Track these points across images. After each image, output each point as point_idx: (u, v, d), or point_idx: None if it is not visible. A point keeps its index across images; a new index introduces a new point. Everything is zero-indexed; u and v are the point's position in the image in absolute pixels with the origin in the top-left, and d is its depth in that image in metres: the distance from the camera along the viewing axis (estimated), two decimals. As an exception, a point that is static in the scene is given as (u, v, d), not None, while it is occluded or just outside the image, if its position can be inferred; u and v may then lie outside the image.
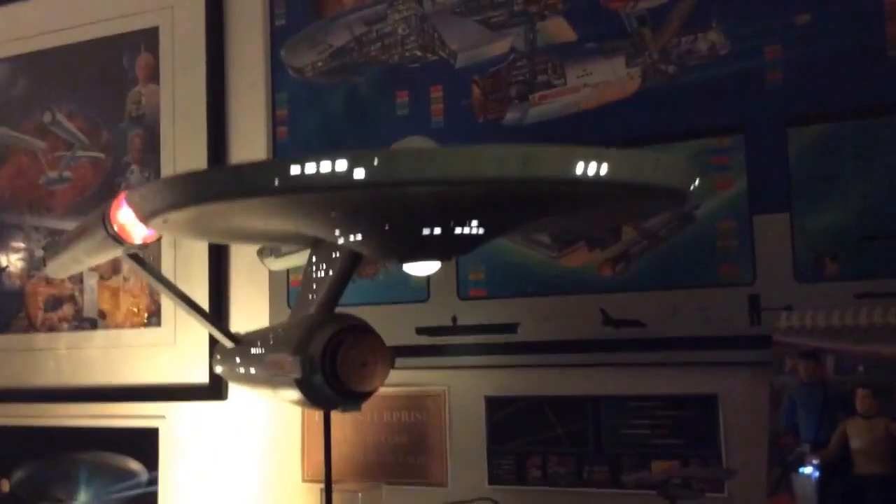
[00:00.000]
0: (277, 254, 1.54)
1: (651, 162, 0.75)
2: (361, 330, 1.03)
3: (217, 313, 1.82)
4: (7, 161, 2.10)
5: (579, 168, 0.67)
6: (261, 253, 1.57)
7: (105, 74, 1.98)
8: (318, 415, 1.73)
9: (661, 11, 1.50)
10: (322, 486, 1.64)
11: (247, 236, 1.08)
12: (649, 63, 1.51)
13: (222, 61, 1.87)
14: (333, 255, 1.05)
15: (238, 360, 1.22)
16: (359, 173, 0.65)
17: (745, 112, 1.44)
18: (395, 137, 1.63)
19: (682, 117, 1.48)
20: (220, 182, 0.74)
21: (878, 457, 1.15)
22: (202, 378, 1.83)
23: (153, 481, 1.86)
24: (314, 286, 1.10)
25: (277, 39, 1.81)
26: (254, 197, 0.71)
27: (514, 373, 1.58)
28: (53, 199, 2.04)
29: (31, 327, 2.04)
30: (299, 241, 1.13)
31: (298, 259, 1.52)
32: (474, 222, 0.80)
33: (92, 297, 1.97)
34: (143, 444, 1.88)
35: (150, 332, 1.91)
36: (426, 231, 0.80)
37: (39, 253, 2.02)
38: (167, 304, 1.89)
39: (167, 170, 1.88)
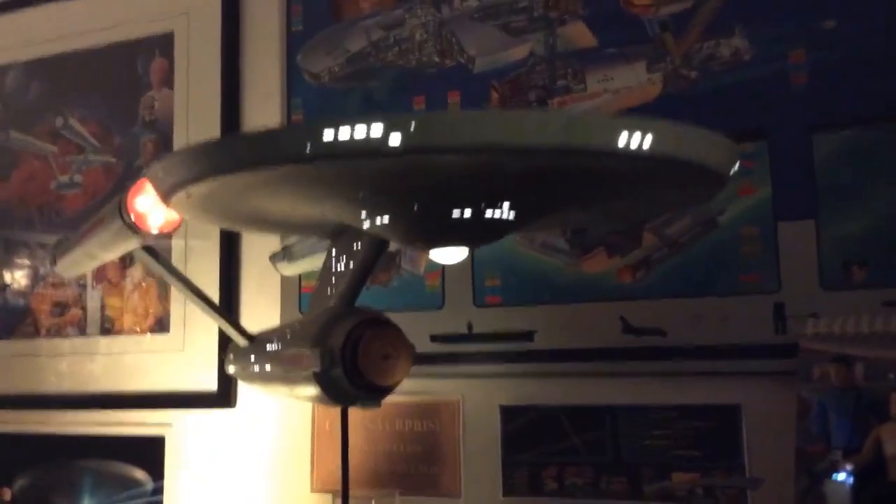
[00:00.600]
0: (291, 258, 1.52)
1: (696, 136, 0.73)
2: (382, 322, 1.00)
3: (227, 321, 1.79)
4: (18, 165, 2.08)
5: (623, 139, 0.65)
6: (273, 258, 1.55)
7: (119, 79, 1.97)
8: (328, 422, 1.70)
9: (684, 16, 1.49)
10: (332, 496, 1.62)
11: (267, 222, 1.05)
12: (671, 68, 1.49)
13: (237, 66, 1.86)
14: (355, 247, 1.03)
15: (253, 358, 1.19)
16: (395, 139, 0.63)
17: (769, 117, 1.42)
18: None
19: (705, 123, 1.45)
20: (247, 148, 0.72)
21: (913, 463, 1.12)
22: (210, 385, 1.80)
23: (158, 491, 1.82)
24: (334, 279, 1.07)
25: (294, 44, 1.79)
26: (283, 165, 0.68)
27: (530, 381, 1.55)
28: (63, 203, 2.01)
29: (36, 333, 2.01)
30: (320, 231, 1.10)
31: (312, 263, 1.49)
32: (505, 205, 0.78)
33: (98, 302, 1.94)
34: (149, 452, 1.84)
35: (157, 339, 1.88)
36: (456, 213, 0.77)
37: (45, 267, 1.99)
38: (176, 309, 1.86)
39: (179, 174, 1.86)
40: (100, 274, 1.94)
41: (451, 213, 0.77)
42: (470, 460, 1.58)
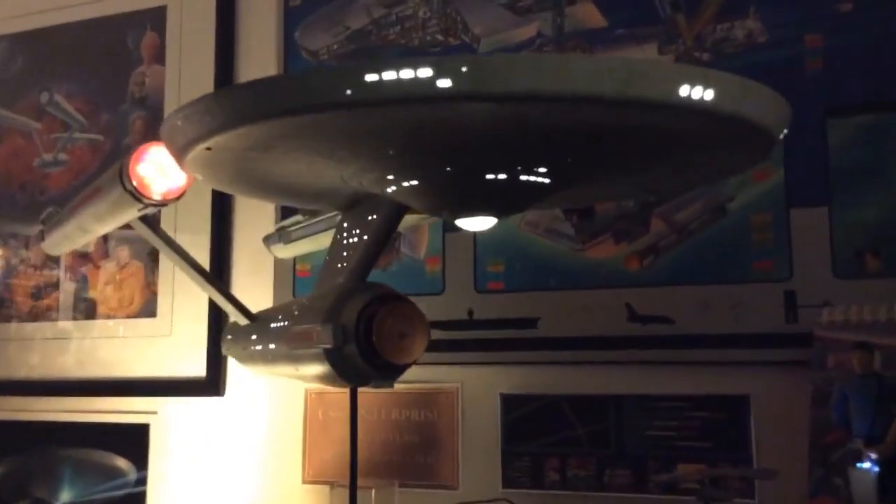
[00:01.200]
0: (286, 240, 1.47)
1: (758, 92, 0.69)
2: (398, 298, 0.96)
3: (218, 305, 1.73)
4: (0, 142, 2.01)
5: (684, 90, 0.61)
6: (268, 240, 1.50)
7: (108, 54, 1.90)
8: (321, 411, 1.65)
9: (697, -3, 1.45)
10: (327, 487, 1.57)
11: (279, 188, 1.00)
12: (683, 50, 1.46)
13: (232, 42, 1.81)
14: (369, 218, 0.98)
15: (255, 336, 1.14)
16: (443, 82, 0.58)
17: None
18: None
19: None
20: (284, 92, 0.67)
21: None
22: (198, 372, 1.74)
23: (141, 481, 1.76)
24: (345, 253, 1.02)
25: (292, 20, 1.74)
26: (319, 112, 0.63)
27: (533, 370, 1.51)
28: (47, 181, 1.95)
29: (16, 316, 1.93)
30: (331, 201, 1.05)
31: (309, 245, 1.45)
32: (542, 168, 0.73)
33: (83, 284, 1.87)
34: (132, 440, 1.77)
35: (143, 323, 1.81)
36: (490, 176, 0.73)
37: (20, 255, 1.92)
38: (163, 292, 1.80)
39: (170, 153, 1.80)
40: (83, 254, 1.87)
41: (484, 177, 0.73)
42: (468, 451, 1.53)
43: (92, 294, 1.86)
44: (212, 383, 1.73)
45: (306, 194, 1.04)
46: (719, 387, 1.40)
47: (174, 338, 1.78)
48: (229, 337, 1.24)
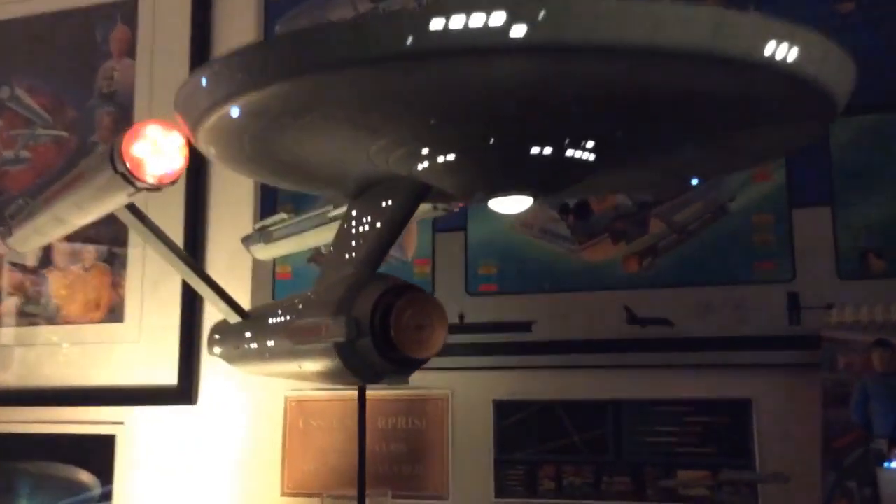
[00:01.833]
0: (268, 240, 1.40)
1: (839, 56, 0.64)
2: (414, 289, 0.90)
3: (190, 308, 1.65)
4: (-45, 139, 1.90)
5: (770, 48, 0.57)
6: (247, 240, 1.43)
7: (74, 47, 1.82)
8: (302, 420, 1.58)
9: (694, -4, 1.43)
10: (307, 500, 1.49)
11: (294, 169, 0.93)
12: (681, 48, 1.43)
13: (208, 36, 1.74)
14: (383, 204, 0.92)
15: (249, 334, 1.07)
16: (518, 30, 0.53)
17: (785, 100, 1.37)
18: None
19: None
20: (338, 40, 0.60)
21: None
22: (169, 379, 1.65)
23: (107, 496, 1.66)
24: (353, 243, 0.96)
25: (272, 14, 1.68)
26: (378, 64, 0.57)
27: (527, 375, 1.46)
28: (6, 180, 1.84)
29: (-29, 321, 1.82)
30: (341, 188, 0.98)
31: (293, 245, 1.38)
32: (590, 143, 0.68)
33: (45, 287, 1.77)
34: (97, 453, 1.68)
35: (110, 328, 1.72)
36: (535, 150, 0.68)
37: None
38: (132, 296, 1.71)
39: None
40: (44, 256, 1.77)
41: (528, 151, 0.68)
42: (459, 459, 1.47)
43: (56, 298, 1.76)
44: (183, 391, 1.64)
45: (317, 177, 0.98)
46: (720, 390, 1.36)
47: (143, 344, 1.69)
48: (217, 336, 1.16)
